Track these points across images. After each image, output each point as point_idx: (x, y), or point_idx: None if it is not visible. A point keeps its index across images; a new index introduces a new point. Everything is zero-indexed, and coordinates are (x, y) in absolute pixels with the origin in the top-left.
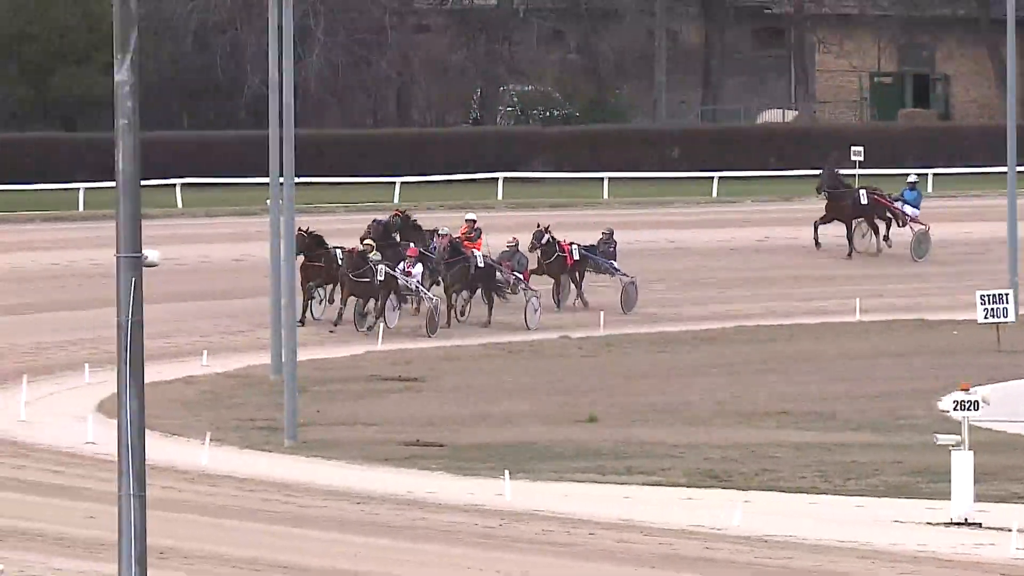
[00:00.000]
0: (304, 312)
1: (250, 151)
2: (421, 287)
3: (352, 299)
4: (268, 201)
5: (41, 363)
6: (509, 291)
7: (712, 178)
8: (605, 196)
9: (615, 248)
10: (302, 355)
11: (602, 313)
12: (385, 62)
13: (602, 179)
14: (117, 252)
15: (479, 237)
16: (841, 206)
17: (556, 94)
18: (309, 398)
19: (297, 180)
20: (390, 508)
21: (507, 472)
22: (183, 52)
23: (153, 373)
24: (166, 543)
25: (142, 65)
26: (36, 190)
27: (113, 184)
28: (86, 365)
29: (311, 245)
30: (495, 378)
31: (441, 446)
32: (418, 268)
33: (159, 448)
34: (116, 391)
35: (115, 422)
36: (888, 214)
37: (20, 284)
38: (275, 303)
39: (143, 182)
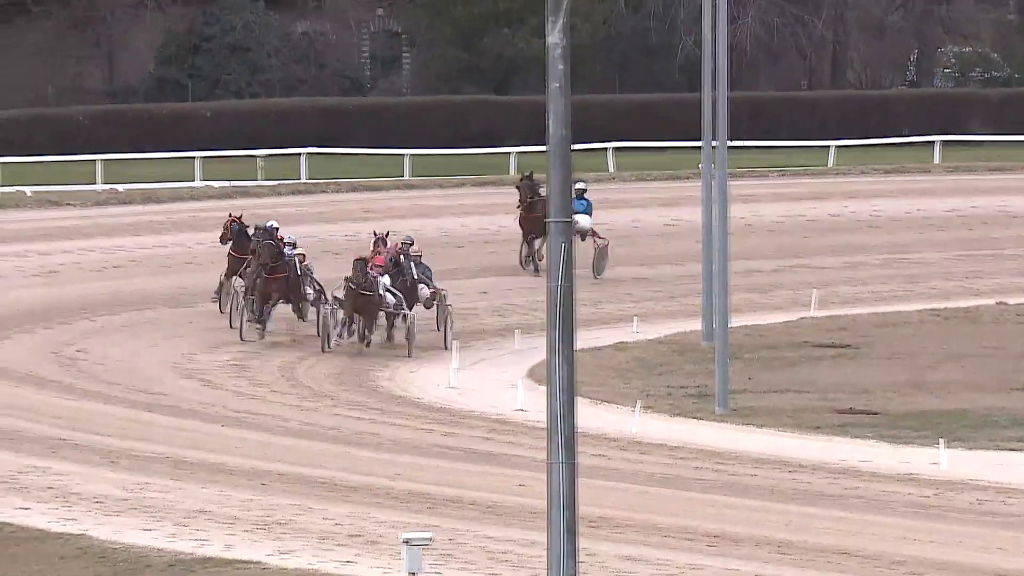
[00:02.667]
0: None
1: (683, 114)
2: (403, 303)
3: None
4: (700, 165)
5: (472, 328)
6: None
7: None
8: None
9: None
10: (734, 321)
11: None
12: (820, 22)
13: None
14: (548, 217)
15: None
16: (533, 218)
17: (994, 55)
18: (741, 365)
19: (730, 144)
20: (822, 477)
21: (942, 441)
22: (616, 14)
23: (584, 339)
24: (596, 512)
25: (574, 27)
26: (467, 154)
27: (544, 148)
28: (517, 331)
29: (274, 255)
30: (930, 345)
31: (875, 414)
32: (385, 279)
33: (590, 415)
34: (546, 357)
35: (545, 389)
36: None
37: (450, 249)
38: (707, 268)
39: (574, 146)
